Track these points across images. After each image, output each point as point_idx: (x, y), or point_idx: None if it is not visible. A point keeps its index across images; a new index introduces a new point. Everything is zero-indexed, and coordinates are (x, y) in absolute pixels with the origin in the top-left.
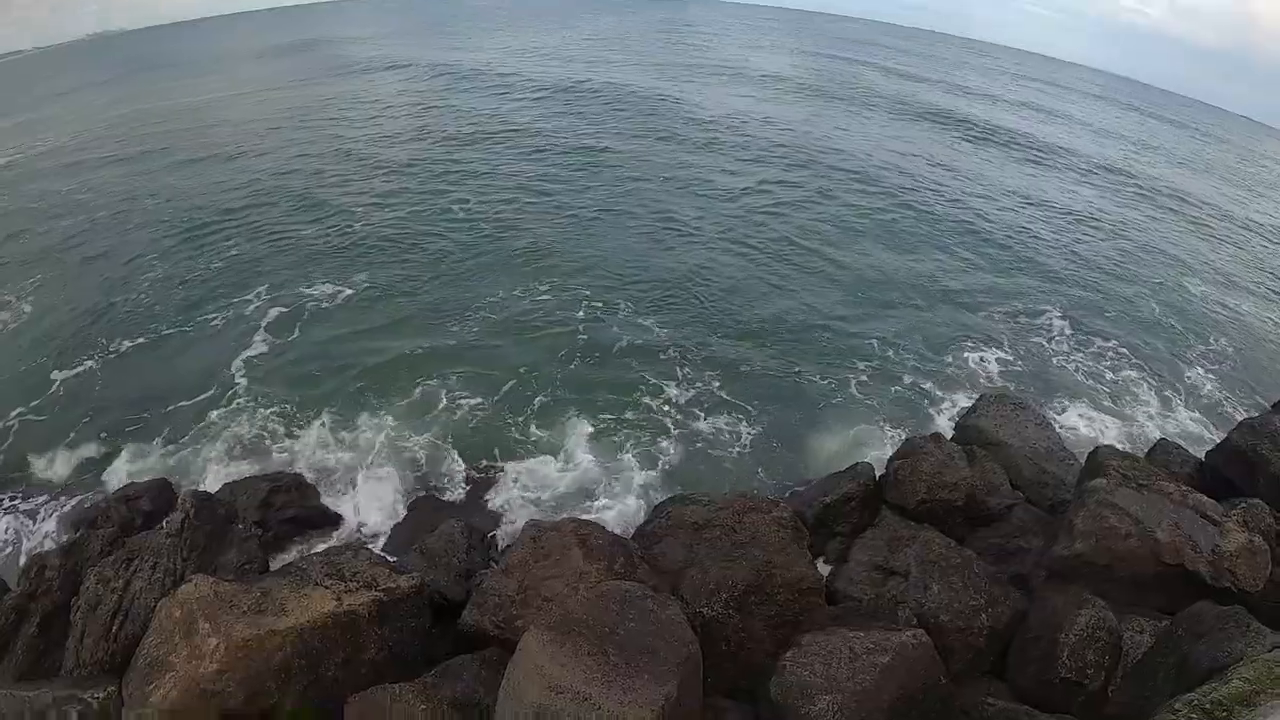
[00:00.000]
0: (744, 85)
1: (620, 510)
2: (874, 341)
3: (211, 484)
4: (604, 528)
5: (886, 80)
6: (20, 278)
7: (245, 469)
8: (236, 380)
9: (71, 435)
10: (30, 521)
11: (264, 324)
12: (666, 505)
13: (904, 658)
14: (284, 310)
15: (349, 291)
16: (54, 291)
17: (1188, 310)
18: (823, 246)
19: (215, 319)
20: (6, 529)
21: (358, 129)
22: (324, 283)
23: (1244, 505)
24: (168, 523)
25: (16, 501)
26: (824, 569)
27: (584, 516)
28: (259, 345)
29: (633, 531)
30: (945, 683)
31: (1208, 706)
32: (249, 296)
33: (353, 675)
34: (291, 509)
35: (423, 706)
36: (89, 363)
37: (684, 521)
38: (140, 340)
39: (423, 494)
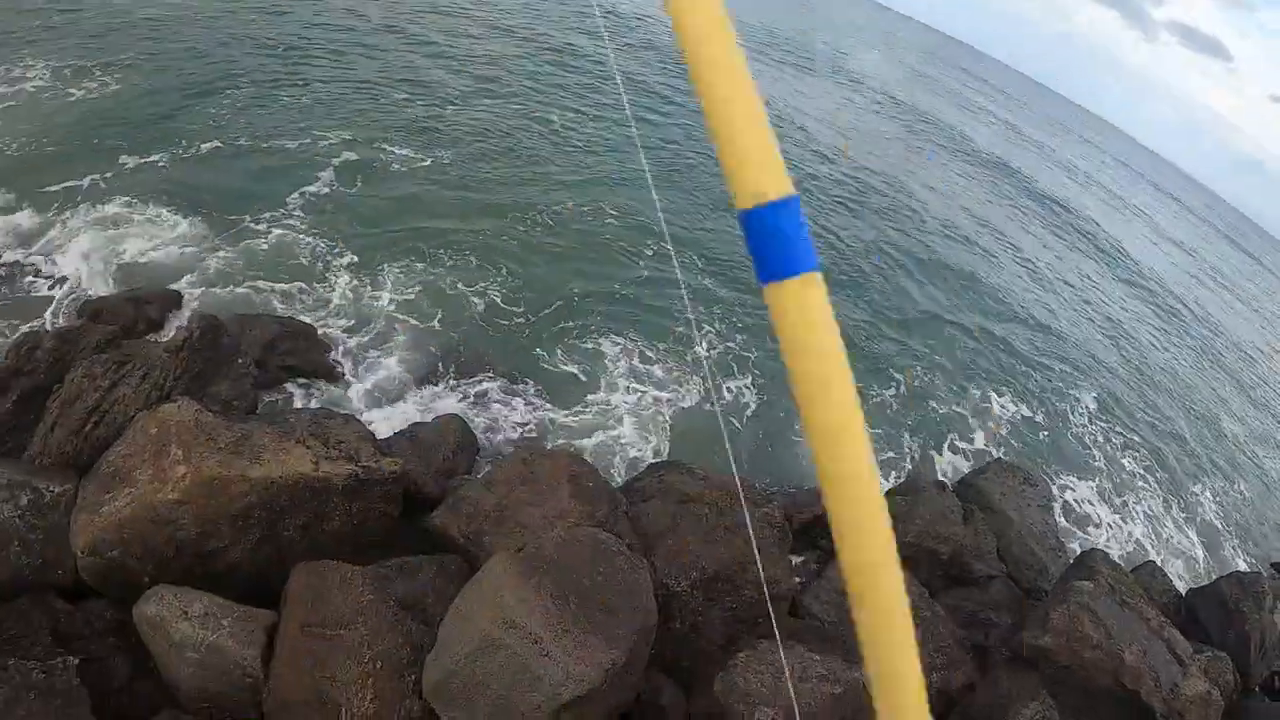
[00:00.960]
0: (846, 86)
1: (617, 458)
2: (916, 360)
3: (225, 308)
4: (597, 471)
5: (992, 130)
6: (112, 53)
7: (263, 302)
8: (290, 212)
9: (115, 221)
10: (45, 294)
11: (334, 164)
12: (661, 467)
13: (854, 694)
14: (356, 158)
15: (426, 162)
16: (142, 75)
17: (1216, 443)
18: (892, 253)
19: (291, 145)
20: (19, 297)
21: (464, 11)
22: (404, 147)
23: (1211, 654)
24: (169, 338)
25: (38, 273)
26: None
27: (581, 453)
28: (322, 184)
29: (622, 482)
30: None
31: None
32: (329, 135)
33: (308, 542)
34: (295, 358)
35: (370, 596)
36: (158, 155)
37: (675, 489)
38: (214, 143)
39: (430, 381)
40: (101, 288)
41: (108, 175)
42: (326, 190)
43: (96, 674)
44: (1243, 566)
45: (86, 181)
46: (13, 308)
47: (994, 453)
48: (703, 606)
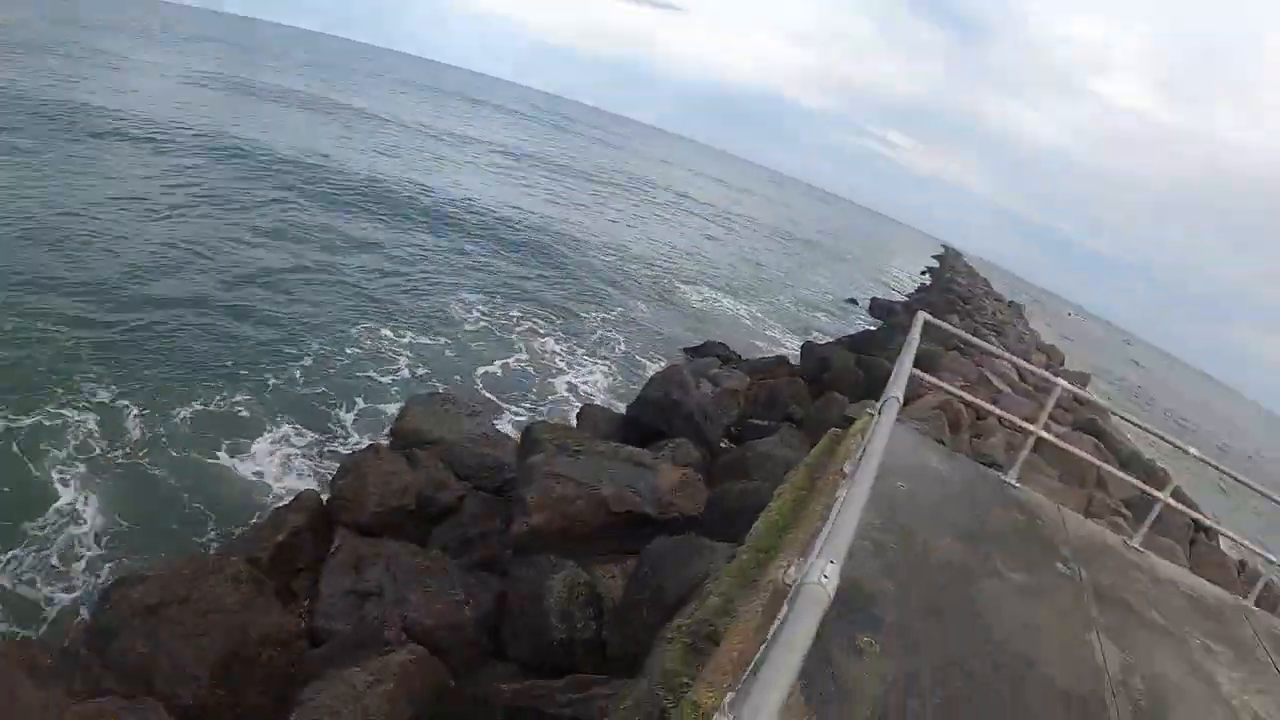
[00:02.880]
0: None
1: (66, 616)
2: (270, 335)
3: None
4: (48, 643)
5: None
6: None
7: None
8: None
9: None
10: None
11: None
12: (109, 593)
13: (406, 677)
14: None
15: None
16: None
17: (599, 282)
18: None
19: None
20: None
21: None
22: None
23: (671, 445)
24: None
25: None
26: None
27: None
28: None
29: (83, 634)
30: (455, 686)
31: (694, 627)
32: None
33: None
34: None
35: None
36: None
37: (136, 607)
38: None
39: None
40: None
41: None
42: None
43: None
44: (657, 367)
45: None
46: None
47: (411, 375)
48: (235, 698)
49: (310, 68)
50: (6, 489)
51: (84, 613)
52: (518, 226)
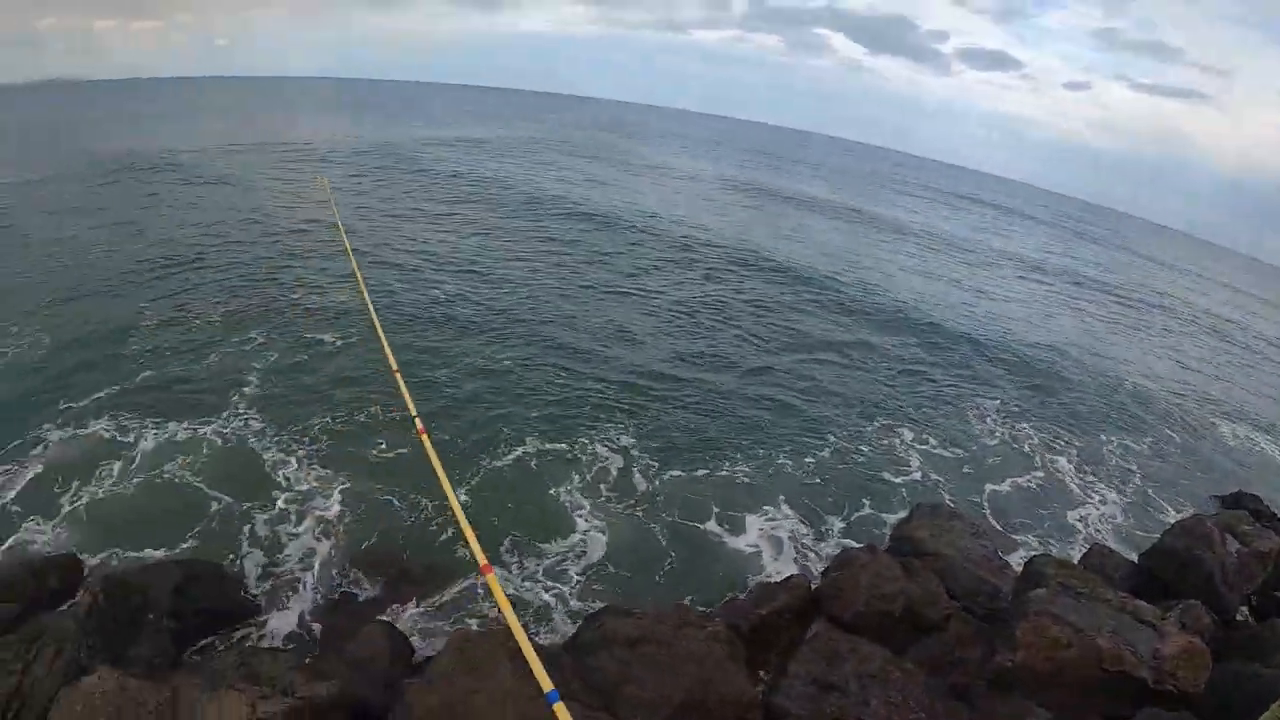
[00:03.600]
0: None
1: (552, 619)
2: (793, 429)
3: (126, 559)
4: (533, 640)
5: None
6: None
7: (166, 538)
8: (201, 431)
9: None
10: None
11: (257, 367)
12: (600, 616)
13: None
14: (277, 356)
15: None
16: (59, 323)
17: (1121, 406)
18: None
19: (213, 358)
20: None
21: None
22: (323, 332)
23: (1181, 607)
24: (74, 605)
25: None
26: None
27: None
28: (243, 395)
29: (564, 642)
30: None
31: None
32: (251, 336)
33: None
34: (206, 600)
35: None
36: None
37: (619, 636)
38: (147, 372)
39: (352, 592)
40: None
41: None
42: (243, 403)
43: None
44: (1177, 513)
45: None
46: None
47: (920, 480)
48: None
49: (834, 173)
50: (538, 507)
51: (570, 626)
52: (1038, 343)
